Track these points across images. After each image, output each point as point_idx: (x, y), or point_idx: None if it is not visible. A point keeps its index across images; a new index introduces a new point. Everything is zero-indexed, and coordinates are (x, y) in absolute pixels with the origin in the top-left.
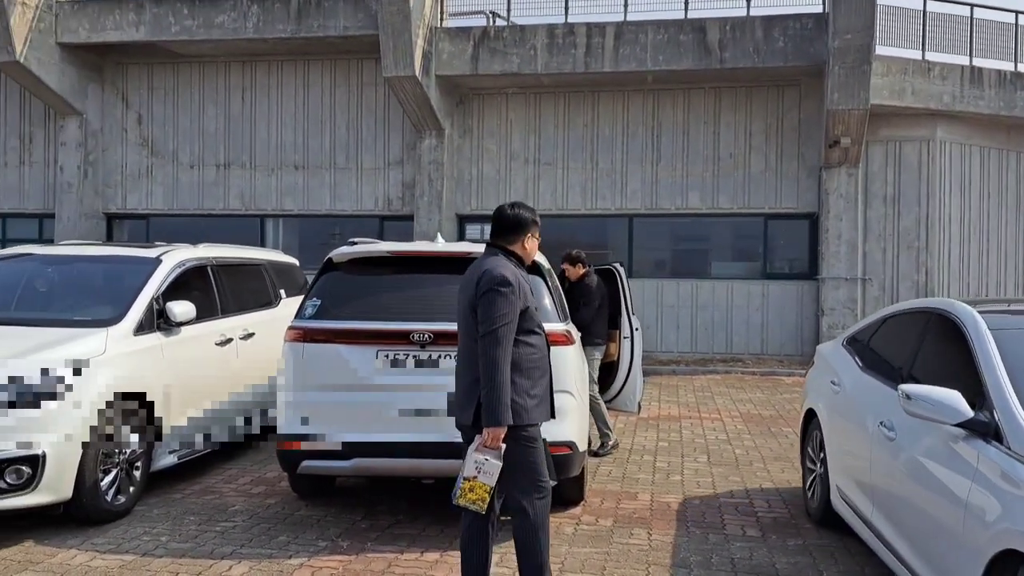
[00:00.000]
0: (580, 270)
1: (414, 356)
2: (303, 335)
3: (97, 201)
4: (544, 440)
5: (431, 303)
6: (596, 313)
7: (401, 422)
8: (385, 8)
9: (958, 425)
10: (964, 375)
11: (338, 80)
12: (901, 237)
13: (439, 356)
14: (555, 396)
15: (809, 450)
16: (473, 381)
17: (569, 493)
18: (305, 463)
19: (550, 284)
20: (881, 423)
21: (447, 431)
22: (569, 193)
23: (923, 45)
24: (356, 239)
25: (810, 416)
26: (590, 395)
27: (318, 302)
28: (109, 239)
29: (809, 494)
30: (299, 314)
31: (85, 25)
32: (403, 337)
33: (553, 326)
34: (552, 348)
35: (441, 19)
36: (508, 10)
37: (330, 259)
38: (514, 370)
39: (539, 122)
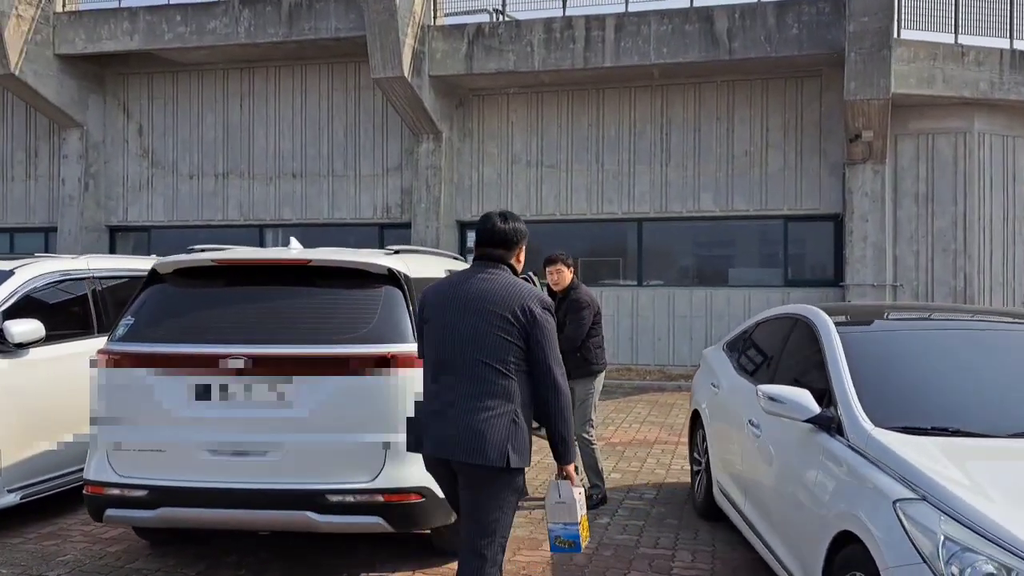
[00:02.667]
0: (569, 272)
1: (231, 385)
2: (108, 360)
3: (99, 214)
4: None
5: (259, 322)
6: (590, 332)
7: (216, 464)
8: (371, 6)
9: (808, 421)
10: (817, 375)
11: (335, 85)
12: (936, 239)
13: (263, 385)
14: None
15: (695, 449)
16: (501, 415)
17: (446, 543)
18: (109, 511)
19: (408, 297)
20: (750, 421)
21: (269, 476)
22: (574, 197)
23: (955, 27)
24: (197, 246)
25: (695, 416)
26: (586, 438)
27: (131, 321)
28: (112, 252)
29: (696, 490)
30: (111, 335)
31: (81, 35)
32: (218, 363)
33: (410, 347)
34: (409, 372)
35: (434, 17)
36: (503, 5)
37: (153, 270)
38: (527, 406)
39: (541, 123)
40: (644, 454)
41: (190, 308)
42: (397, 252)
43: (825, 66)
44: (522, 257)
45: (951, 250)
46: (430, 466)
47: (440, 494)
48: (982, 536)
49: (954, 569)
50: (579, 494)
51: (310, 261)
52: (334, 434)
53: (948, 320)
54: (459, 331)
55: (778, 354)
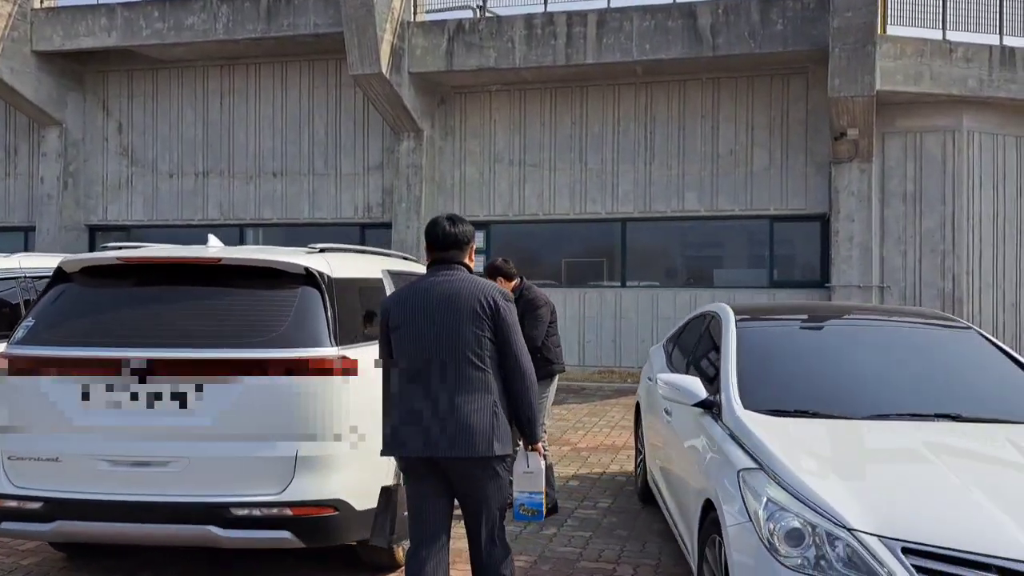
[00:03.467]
0: (509, 284)
1: (131, 391)
2: (6, 365)
3: (79, 213)
4: None
5: (166, 324)
6: (548, 331)
7: (114, 475)
8: (348, 1)
9: (696, 405)
10: (718, 365)
11: (316, 82)
12: (924, 239)
13: (164, 391)
14: (318, 442)
15: (639, 440)
16: (482, 407)
17: (375, 556)
18: (4, 524)
19: (327, 298)
20: (665, 409)
21: (170, 487)
22: (556, 196)
23: (943, 24)
24: (112, 244)
25: (638, 409)
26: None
27: (31, 322)
28: (92, 251)
29: (636, 477)
30: (11, 338)
31: (59, 32)
32: (116, 367)
33: (324, 351)
34: (321, 379)
35: (414, 13)
36: (484, 1)
37: (59, 268)
38: (503, 395)
39: (524, 121)
40: (608, 460)
41: (95, 309)
42: (322, 251)
43: (811, 63)
44: (473, 255)
45: (939, 251)
46: (411, 467)
47: (357, 507)
48: (797, 499)
49: (771, 525)
50: (544, 466)
51: (220, 260)
52: (240, 443)
53: (840, 317)
54: (431, 333)
55: (696, 347)
